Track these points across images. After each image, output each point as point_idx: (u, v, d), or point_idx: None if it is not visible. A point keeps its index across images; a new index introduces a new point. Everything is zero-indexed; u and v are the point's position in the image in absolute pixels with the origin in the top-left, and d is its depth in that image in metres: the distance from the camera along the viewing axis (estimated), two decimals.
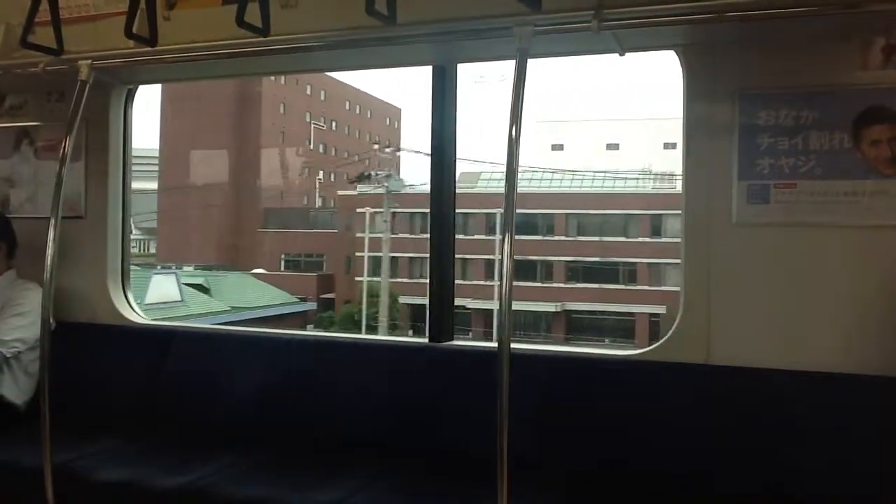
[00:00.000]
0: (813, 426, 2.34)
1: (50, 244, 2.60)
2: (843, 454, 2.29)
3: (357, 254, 25.74)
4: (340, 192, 29.88)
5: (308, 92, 38.46)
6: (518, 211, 2.14)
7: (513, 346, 2.08)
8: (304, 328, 20.59)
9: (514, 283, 2.20)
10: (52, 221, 2.61)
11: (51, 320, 2.66)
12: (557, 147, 32.62)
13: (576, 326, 25.60)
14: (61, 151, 2.68)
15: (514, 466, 2.02)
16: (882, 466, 2.26)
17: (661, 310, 22.78)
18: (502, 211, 2.16)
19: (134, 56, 2.82)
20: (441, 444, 2.72)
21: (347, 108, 41.70)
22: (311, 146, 38.31)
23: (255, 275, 25.89)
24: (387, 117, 45.10)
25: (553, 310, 25.65)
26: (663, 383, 2.56)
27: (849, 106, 2.39)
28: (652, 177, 26.90)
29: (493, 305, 21.41)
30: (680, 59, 2.58)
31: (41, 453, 2.54)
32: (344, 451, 2.75)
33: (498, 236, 22.55)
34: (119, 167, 3.51)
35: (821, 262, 2.43)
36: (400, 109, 46.62)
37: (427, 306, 3.07)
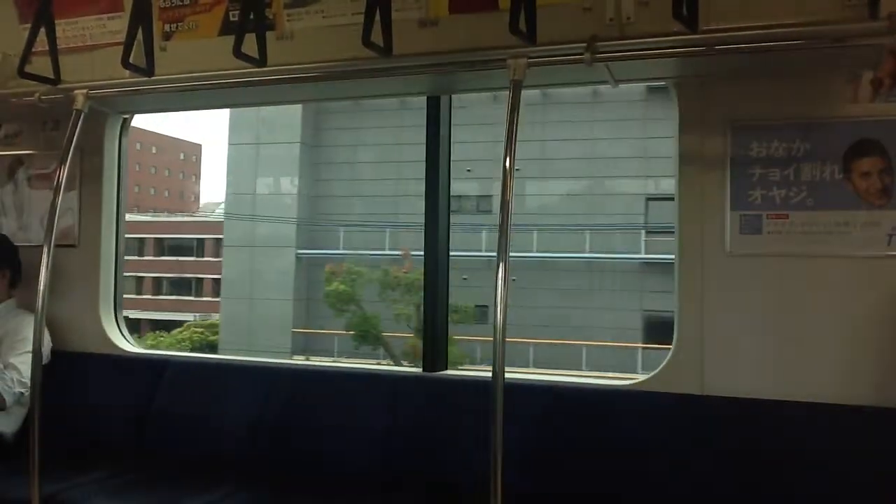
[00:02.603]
0: (808, 456, 2.33)
1: (43, 272, 2.59)
2: (839, 485, 2.28)
3: None
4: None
5: None
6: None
7: (507, 375, 2.07)
8: None
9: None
10: (46, 250, 2.60)
11: (46, 354, 2.62)
12: None
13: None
14: (56, 180, 2.68)
15: (509, 497, 2.00)
16: (878, 497, 2.25)
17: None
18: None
19: (130, 86, 2.83)
20: (436, 475, 2.69)
21: None
22: None
23: None
24: (181, 153, 49.45)
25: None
26: (658, 414, 2.54)
27: (839, 138, 2.42)
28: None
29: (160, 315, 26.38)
30: (672, 91, 2.61)
31: (29, 485, 2.50)
32: (339, 483, 2.72)
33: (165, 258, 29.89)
34: (113, 196, 3.51)
35: (814, 293, 2.44)
36: (200, 145, 52.60)
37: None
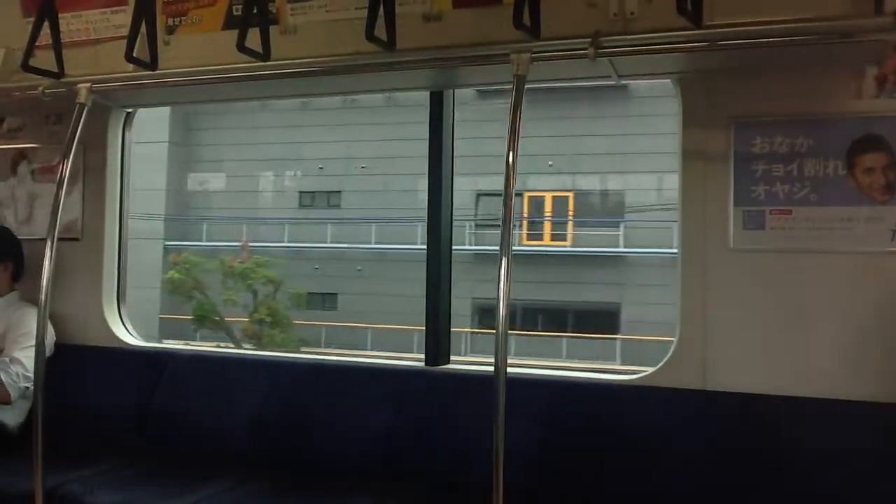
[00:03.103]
0: (811, 452, 2.33)
1: (46, 266, 2.59)
2: (841, 480, 2.28)
3: None
4: None
5: None
6: None
7: (509, 370, 2.08)
8: None
9: None
10: (49, 243, 2.61)
11: (49, 347, 2.63)
12: None
13: None
14: (59, 174, 2.68)
15: (510, 494, 2.01)
16: (881, 492, 2.25)
17: None
18: None
19: (133, 80, 2.83)
20: (438, 470, 2.69)
21: None
22: None
23: None
24: None
25: None
26: (660, 409, 2.55)
27: (843, 134, 2.41)
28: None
29: None
30: (676, 87, 2.60)
31: (33, 477, 2.51)
32: (340, 478, 2.73)
33: None
34: (116, 190, 3.51)
35: (817, 289, 2.44)
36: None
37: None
